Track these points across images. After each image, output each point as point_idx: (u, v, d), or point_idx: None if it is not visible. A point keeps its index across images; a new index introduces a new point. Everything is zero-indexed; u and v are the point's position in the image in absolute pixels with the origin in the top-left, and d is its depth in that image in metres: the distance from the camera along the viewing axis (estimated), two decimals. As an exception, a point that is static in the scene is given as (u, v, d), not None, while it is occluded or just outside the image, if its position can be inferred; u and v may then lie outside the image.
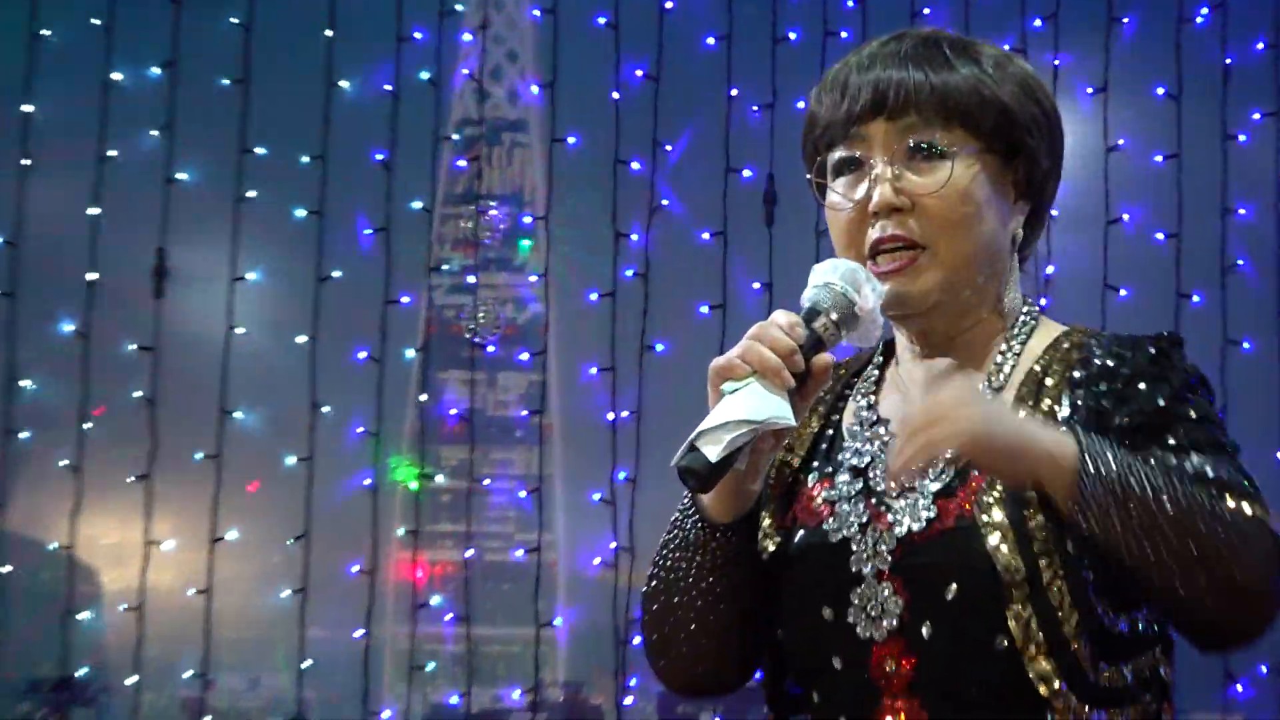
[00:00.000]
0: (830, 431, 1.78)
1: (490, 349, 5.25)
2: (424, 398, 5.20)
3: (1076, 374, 1.68)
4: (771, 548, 1.72)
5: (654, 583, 1.71)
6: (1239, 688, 4.93)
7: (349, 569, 5.10)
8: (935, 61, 1.71)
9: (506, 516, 5.25)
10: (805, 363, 1.62)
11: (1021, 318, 1.76)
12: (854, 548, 1.68)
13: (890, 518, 1.68)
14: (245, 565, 5.20)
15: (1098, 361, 1.68)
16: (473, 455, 5.22)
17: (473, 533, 5.20)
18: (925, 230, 1.69)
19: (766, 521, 1.74)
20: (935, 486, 1.68)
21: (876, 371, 1.81)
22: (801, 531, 1.72)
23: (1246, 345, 5.08)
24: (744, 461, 1.61)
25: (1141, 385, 1.65)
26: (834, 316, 1.65)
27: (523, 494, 5.21)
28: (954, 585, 1.62)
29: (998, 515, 1.61)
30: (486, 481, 5.23)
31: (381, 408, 5.17)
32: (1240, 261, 5.13)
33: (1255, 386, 5.08)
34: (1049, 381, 1.69)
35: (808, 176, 1.76)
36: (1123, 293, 5.14)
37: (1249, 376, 5.08)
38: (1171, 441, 1.60)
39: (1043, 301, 5.07)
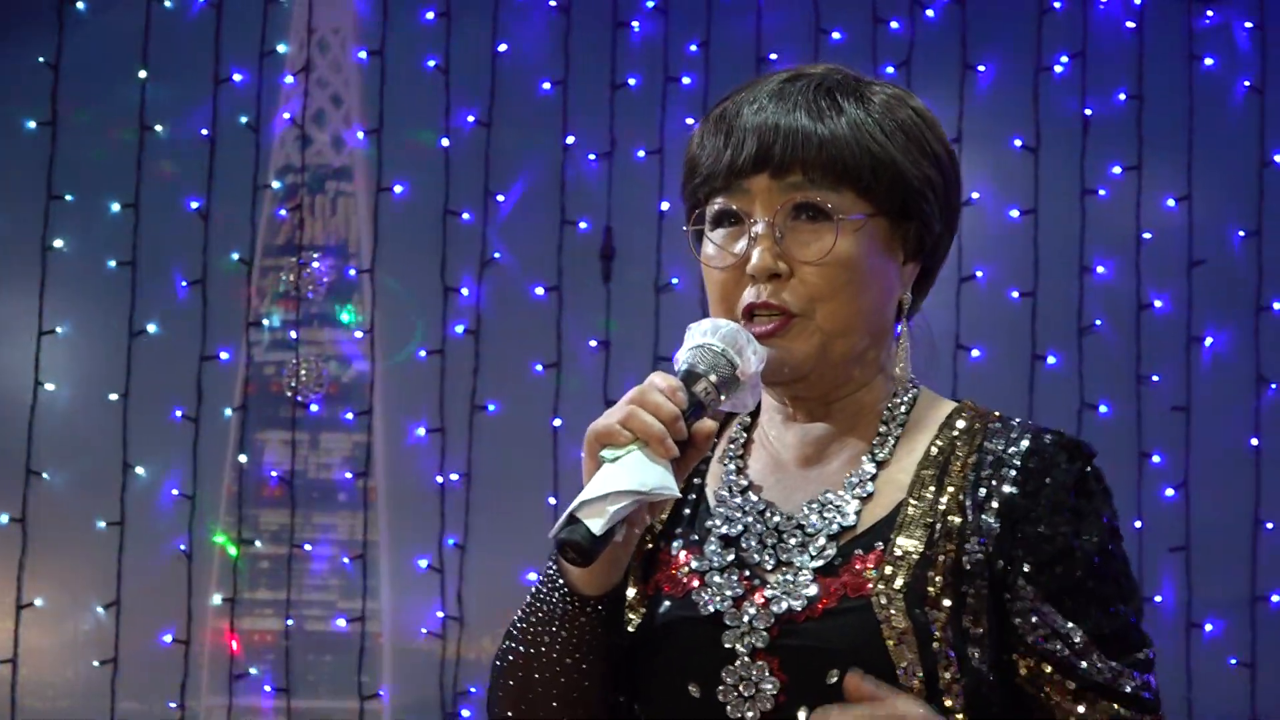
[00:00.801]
0: (694, 496, 1.90)
1: (313, 408, 5.59)
2: (243, 459, 5.56)
3: (991, 479, 1.81)
4: (636, 620, 1.83)
5: (510, 657, 1.81)
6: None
7: (162, 638, 5.47)
8: (828, 116, 1.81)
9: (329, 584, 5.59)
10: (687, 430, 1.73)
11: (907, 388, 1.89)
12: (727, 622, 1.78)
13: (767, 592, 1.79)
14: (53, 634, 5.58)
15: (1013, 472, 1.80)
16: (294, 519, 5.58)
17: (293, 600, 5.53)
18: (802, 299, 1.81)
19: (632, 592, 1.84)
20: (817, 563, 1.80)
21: (745, 434, 1.93)
22: (667, 603, 1.83)
23: (1104, 409, 5.47)
24: (622, 533, 1.71)
25: (1062, 529, 1.79)
26: (714, 380, 1.75)
27: (346, 560, 5.55)
28: (835, 672, 1.73)
29: (896, 607, 1.74)
30: (308, 547, 5.58)
31: (197, 469, 5.53)
32: (1098, 321, 5.52)
33: (1113, 451, 5.44)
34: (954, 473, 1.82)
35: (685, 228, 1.89)
36: (976, 353, 5.52)
37: (1106, 441, 5.43)
38: (1073, 630, 1.77)
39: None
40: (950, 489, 1.81)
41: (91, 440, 5.57)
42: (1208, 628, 5.46)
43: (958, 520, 1.79)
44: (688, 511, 1.88)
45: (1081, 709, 1.77)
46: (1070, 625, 1.77)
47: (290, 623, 5.55)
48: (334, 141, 5.66)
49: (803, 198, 1.81)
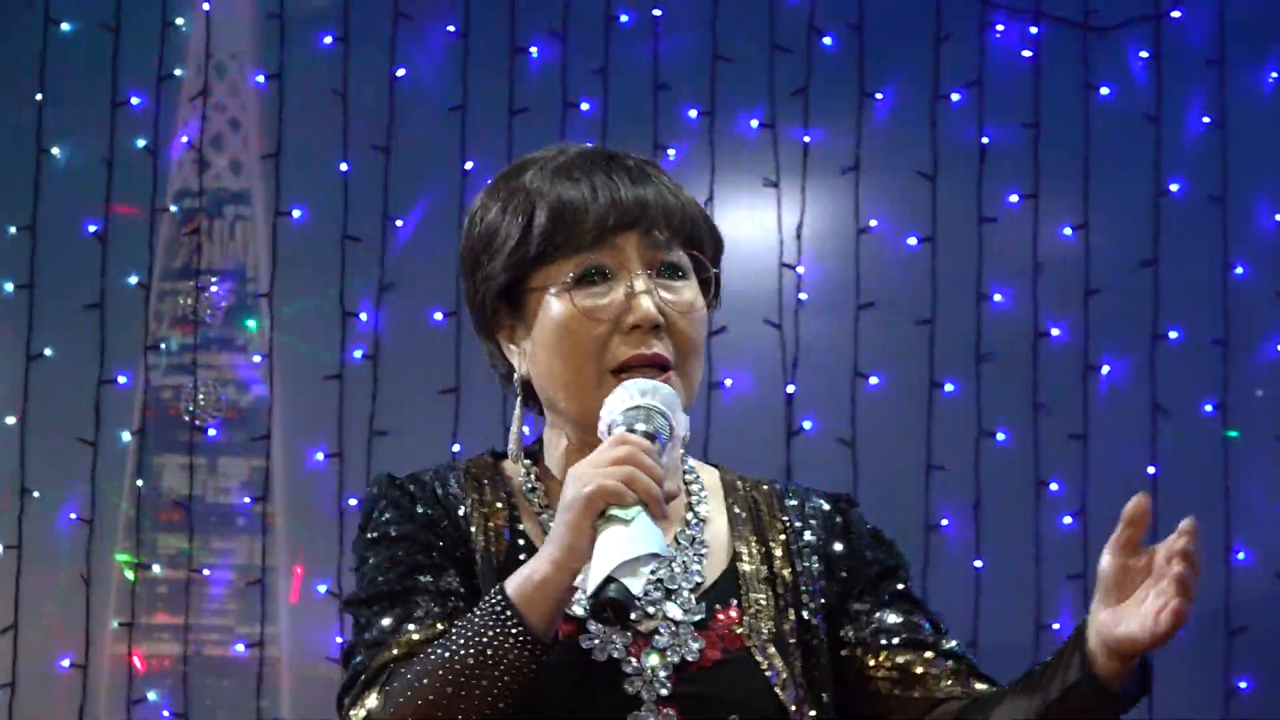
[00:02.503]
0: (522, 542, 1.96)
1: (211, 432, 5.64)
2: (140, 483, 5.60)
3: (803, 533, 2.02)
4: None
5: (431, 695, 1.79)
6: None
7: (60, 663, 5.51)
8: (659, 183, 1.96)
9: (227, 609, 5.64)
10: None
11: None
12: (627, 670, 1.88)
13: (657, 642, 1.90)
14: (-52, 659, 5.59)
15: (819, 523, 2.03)
16: (192, 544, 5.62)
17: (191, 625, 5.59)
18: (675, 353, 1.92)
19: None
20: (695, 616, 1.93)
21: (540, 483, 2.01)
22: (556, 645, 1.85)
23: (1001, 436, 5.56)
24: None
25: (879, 556, 2.04)
26: (661, 441, 1.82)
27: (244, 585, 5.59)
28: (735, 717, 1.88)
29: (773, 655, 1.91)
30: (206, 572, 5.62)
31: (95, 493, 5.57)
32: (995, 349, 5.57)
33: (1009, 479, 5.54)
34: (769, 531, 2.00)
35: (488, 301, 1.98)
36: (874, 380, 5.59)
37: (1004, 468, 5.55)
38: (923, 620, 2.02)
39: (791, 389, 5.51)
40: (772, 544, 2.00)
41: (-13, 463, 5.63)
42: (1107, 654, 5.53)
43: (790, 575, 1.98)
44: (523, 557, 1.92)
45: (954, 678, 1.98)
46: (915, 618, 2.02)
47: (189, 647, 5.61)
48: (232, 165, 5.71)
49: (668, 255, 1.93)
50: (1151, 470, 5.56)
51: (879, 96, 5.68)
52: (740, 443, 5.46)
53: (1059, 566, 5.53)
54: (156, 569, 5.64)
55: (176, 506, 5.64)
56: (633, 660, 1.89)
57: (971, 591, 5.53)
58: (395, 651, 1.86)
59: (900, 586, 2.03)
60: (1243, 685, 5.51)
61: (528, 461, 2.03)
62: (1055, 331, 5.61)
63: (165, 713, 5.59)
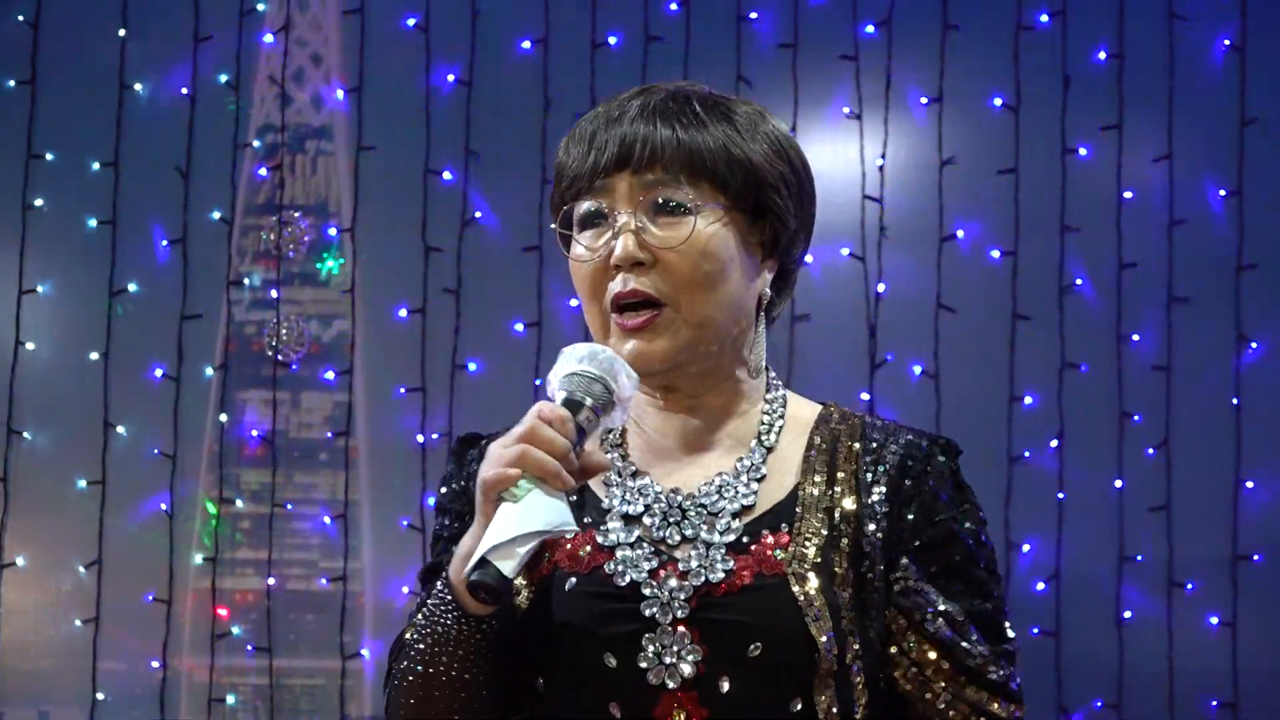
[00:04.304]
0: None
1: (293, 368, 5.69)
2: (224, 418, 5.66)
3: (877, 466, 1.97)
4: (525, 603, 1.93)
5: (410, 678, 1.90)
6: (1074, 724, 5.45)
7: (144, 598, 5.59)
8: (685, 117, 1.95)
9: (310, 544, 5.70)
10: (578, 460, 1.83)
11: (770, 380, 2.05)
12: (646, 593, 1.90)
13: (682, 566, 1.91)
14: (34, 593, 5.71)
15: (897, 460, 1.98)
16: (275, 479, 5.69)
17: (274, 560, 5.65)
18: (666, 286, 1.94)
19: (519, 579, 1.93)
20: (728, 539, 1.93)
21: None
22: (573, 579, 1.92)
23: (1084, 368, 5.58)
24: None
25: (943, 515, 1.97)
26: (591, 405, 1.85)
27: (328, 520, 5.66)
28: (758, 644, 1.87)
29: (810, 585, 1.89)
30: (290, 506, 5.67)
31: (178, 429, 5.63)
32: (1079, 281, 5.62)
33: (1093, 410, 5.58)
34: (841, 462, 1.98)
35: (552, 226, 2.01)
36: (956, 312, 5.60)
37: (1086, 401, 5.58)
38: (952, 609, 1.94)
39: (874, 321, 5.56)
40: (841, 475, 1.97)
41: (72, 400, 5.68)
42: (1189, 587, 5.57)
43: (853, 505, 1.96)
44: (574, 498, 1.93)
45: (952, 690, 1.93)
46: (950, 604, 1.95)
47: (272, 582, 5.68)
48: (314, 100, 5.76)
49: (662, 192, 1.93)
50: (1235, 401, 5.58)
51: (960, 28, 5.71)
52: (823, 374, 5.51)
53: (1142, 499, 5.57)
54: (240, 504, 5.71)
55: (260, 442, 5.70)
56: (653, 583, 1.91)
57: (1054, 524, 5.57)
58: (406, 635, 1.96)
59: (957, 558, 1.97)
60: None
61: None
62: (1138, 263, 5.64)
63: (249, 647, 5.65)
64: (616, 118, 1.96)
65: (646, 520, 1.95)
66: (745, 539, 1.92)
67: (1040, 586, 5.56)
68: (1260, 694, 5.53)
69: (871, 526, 1.94)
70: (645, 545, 1.93)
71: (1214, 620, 5.56)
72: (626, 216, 1.94)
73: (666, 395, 2.01)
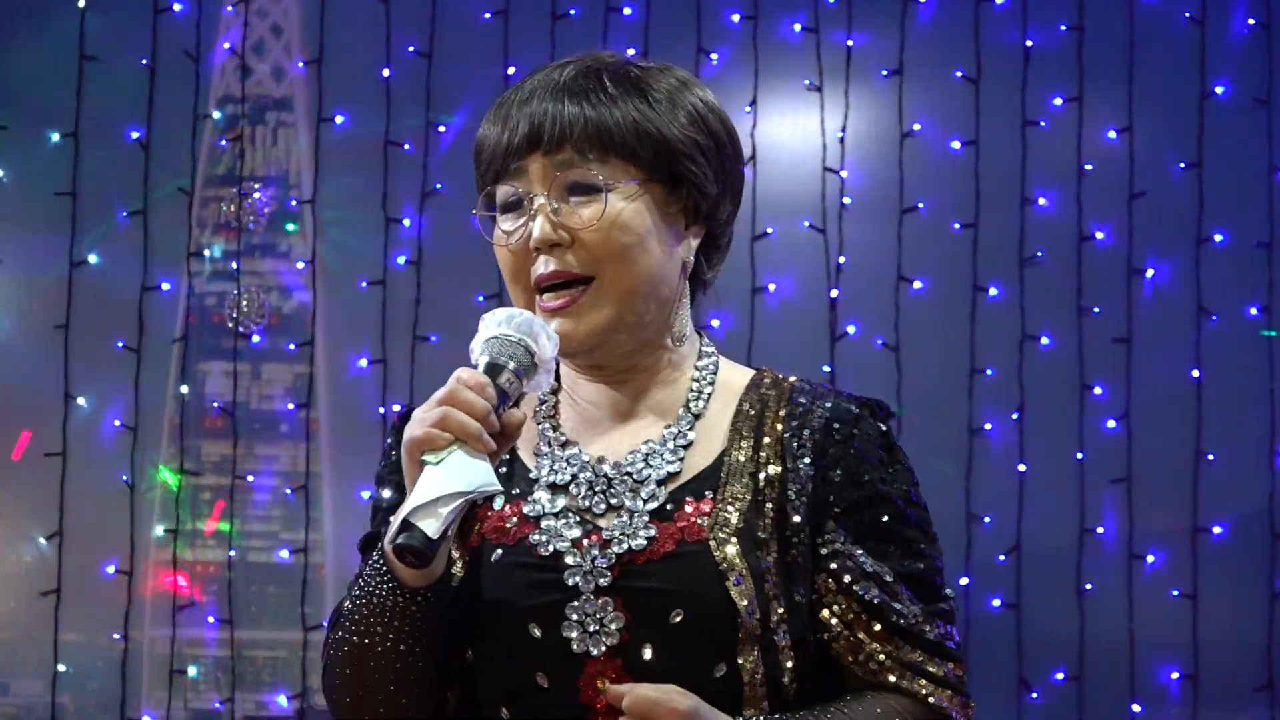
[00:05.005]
0: (506, 455, 1.99)
1: (254, 339, 5.71)
2: (184, 390, 5.67)
3: (802, 430, 1.97)
4: (459, 573, 1.94)
5: (345, 648, 1.91)
6: (1034, 695, 5.47)
7: (105, 569, 5.59)
8: (594, 94, 1.97)
9: (271, 515, 5.72)
10: (499, 422, 1.85)
11: (702, 347, 2.07)
12: (569, 561, 1.92)
13: (605, 534, 1.93)
14: (-6, 565, 5.68)
15: (822, 424, 1.98)
16: (236, 450, 5.69)
17: (235, 532, 5.66)
18: (586, 262, 1.95)
19: (454, 553, 1.95)
20: (650, 506, 1.95)
21: (551, 395, 2.06)
22: (499, 551, 1.95)
23: (1045, 340, 5.62)
24: (454, 530, 1.83)
25: (871, 476, 1.97)
26: (514, 368, 1.87)
27: (288, 491, 5.68)
28: (680, 611, 1.88)
29: (732, 550, 1.89)
30: (250, 478, 5.69)
31: (139, 400, 5.64)
32: (1039, 253, 5.64)
33: (1052, 383, 5.60)
34: (768, 427, 1.98)
35: (473, 211, 2.02)
36: (918, 284, 5.64)
37: (1047, 373, 5.61)
38: (881, 570, 1.93)
39: (834, 293, 5.58)
40: (767, 440, 1.98)
41: (32, 371, 5.68)
42: (1149, 559, 5.60)
43: (777, 470, 1.96)
44: (503, 470, 1.99)
45: (885, 651, 1.93)
46: (879, 566, 1.94)
47: (233, 554, 5.69)
48: (274, 71, 5.77)
49: (574, 173, 1.95)
50: (1195, 374, 5.62)
51: (921, 0, 5.74)
52: (783, 347, 5.53)
53: (1103, 471, 5.61)
54: (200, 476, 5.73)
55: (220, 413, 5.72)
56: (576, 552, 1.92)
57: (1015, 496, 5.60)
58: (344, 605, 1.96)
59: (885, 520, 1.96)
60: (1287, 588, 5.60)
61: None
62: (1099, 234, 5.67)
63: (210, 618, 5.66)
64: (528, 96, 1.98)
65: (573, 490, 1.97)
66: (669, 506, 1.94)
67: (1001, 558, 5.59)
68: (1220, 665, 5.56)
69: (796, 489, 1.95)
70: (571, 515, 1.95)
71: (1175, 592, 5.59)
72: (541, 199, 1.95)
73: (595, 371, 2.04)
